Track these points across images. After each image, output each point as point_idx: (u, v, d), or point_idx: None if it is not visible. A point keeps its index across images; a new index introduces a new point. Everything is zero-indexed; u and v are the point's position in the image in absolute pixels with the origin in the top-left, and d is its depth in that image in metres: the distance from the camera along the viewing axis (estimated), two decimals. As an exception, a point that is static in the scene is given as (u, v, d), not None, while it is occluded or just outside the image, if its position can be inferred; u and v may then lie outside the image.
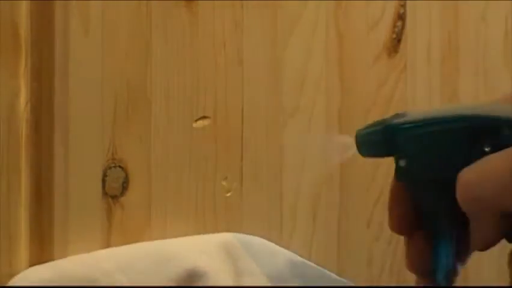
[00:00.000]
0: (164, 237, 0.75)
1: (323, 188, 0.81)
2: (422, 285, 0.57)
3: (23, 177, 0.71)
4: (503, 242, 0.86)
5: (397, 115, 0.58)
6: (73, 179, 0.72)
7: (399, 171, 0.57)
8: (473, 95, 0.86)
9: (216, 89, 0.77)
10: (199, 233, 0.76)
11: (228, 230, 0.77)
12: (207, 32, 0.76)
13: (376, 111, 0.82)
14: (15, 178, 0.71)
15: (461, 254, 0.57)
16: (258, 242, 0.76)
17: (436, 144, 0.55)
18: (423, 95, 0.84)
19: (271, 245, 0.76)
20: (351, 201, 0.81)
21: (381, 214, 0.82)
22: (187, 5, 0.76)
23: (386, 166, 0.81)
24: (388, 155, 0.58)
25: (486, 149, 0.53)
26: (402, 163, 0.56)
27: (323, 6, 0.80)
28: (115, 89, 0.74)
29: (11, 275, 0.70)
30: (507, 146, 0.51)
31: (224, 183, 0.77)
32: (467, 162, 0.52)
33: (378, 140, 0.58)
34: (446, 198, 0.54)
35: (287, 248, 0.78)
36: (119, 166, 0.74)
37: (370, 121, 0.81)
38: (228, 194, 0.77)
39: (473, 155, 0.52)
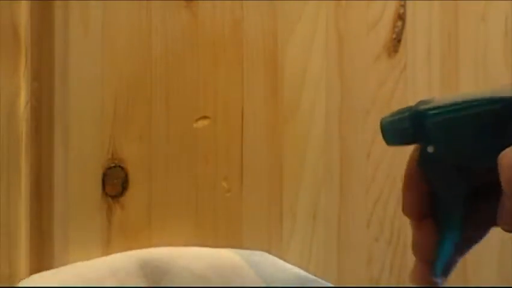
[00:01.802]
0: (164, 237, 0.75)
1: (323, 188, 0.81)
2: (419, 272, 0.57)
3: (23, 177, 0.71)
4: (503, 242, 0.86)
5: (422, 102, 0.57)
6: (72, 179, 0.72)
7: (424, 158, 0.56)
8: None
9: (216, 89, 0.77)
10: (198, 233, 0.76)
11: (228, 230, 0.77)
12: (207, 32, 0.76)
13: (376, 111, 0.82)
14: (15, 178, 0.71)
15: (464, 246, 0.57)
16: (261, 256, 0.76)
17: (466, 128, 0.54)
18: (423, 95, 0.84)
19: (275, 260, 0.76)
20: (351, 201, 0.81)
21: (381, 214, 0.82)
22: (187, 5, 0.76)
23: (386, 166, 0.82)
24: (415, 142, 0.57)
25: None
26: (430, 149, 0.56)
27: (323, 6, 0.80)
28: (115, 89, 0.74)
29: (11, 275, 0.70)
30: None
31: (224, 183, 0.77)
32: (499, 146, 0.51)
33: (405, 127, 0.57)
34: (466, 185, 0.54)
35: (287, 247, 0.78)
36: (119, 166, 0.74)
37: (370, 121, 0.82)
38: (228, 194, 0.77)
39: (505, 139, 0.51)
